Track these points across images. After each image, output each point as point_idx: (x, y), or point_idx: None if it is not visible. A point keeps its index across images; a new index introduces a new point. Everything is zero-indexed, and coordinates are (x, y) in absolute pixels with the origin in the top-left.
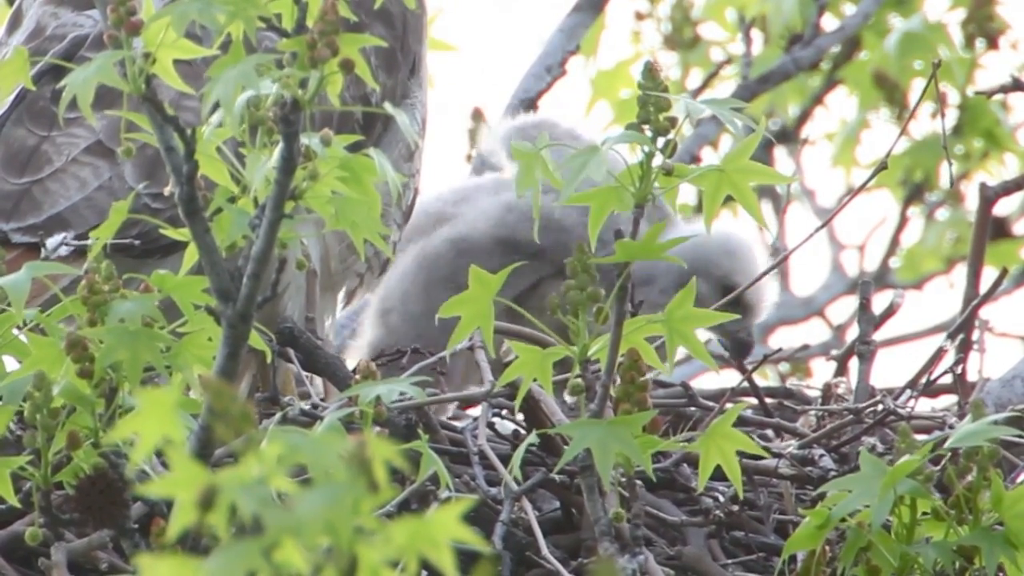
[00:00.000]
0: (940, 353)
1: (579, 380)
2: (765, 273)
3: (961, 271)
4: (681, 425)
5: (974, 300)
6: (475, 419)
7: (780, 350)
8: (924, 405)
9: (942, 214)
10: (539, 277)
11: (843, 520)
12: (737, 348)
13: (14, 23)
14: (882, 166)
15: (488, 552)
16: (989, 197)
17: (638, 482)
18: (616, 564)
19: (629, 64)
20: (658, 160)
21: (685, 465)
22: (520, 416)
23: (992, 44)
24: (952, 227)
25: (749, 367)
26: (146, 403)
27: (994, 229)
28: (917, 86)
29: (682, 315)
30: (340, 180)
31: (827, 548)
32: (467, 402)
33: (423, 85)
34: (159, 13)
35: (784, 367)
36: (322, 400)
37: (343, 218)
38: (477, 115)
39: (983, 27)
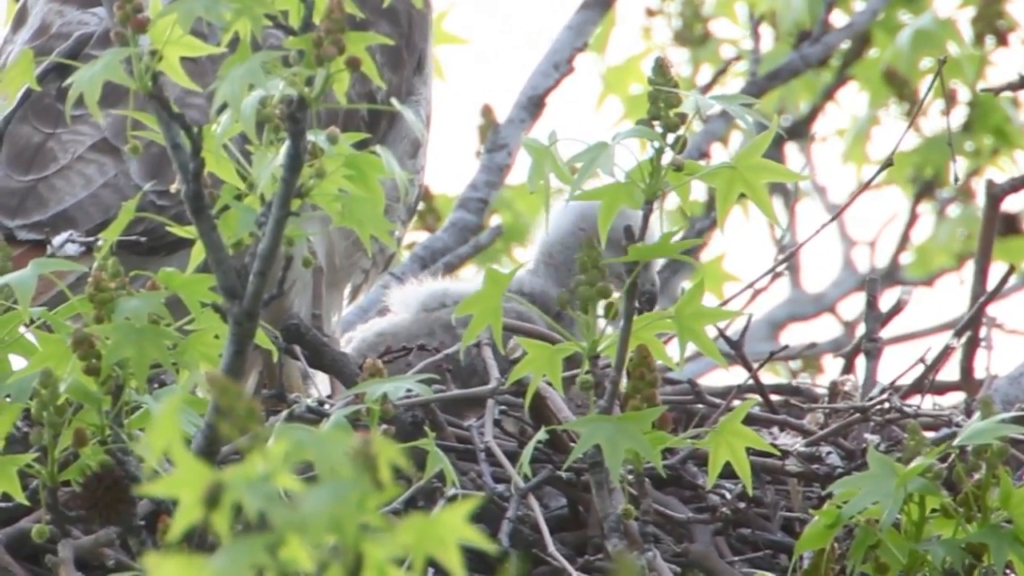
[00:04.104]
0: (947, 351)
1: (588, 376)
2: (774, 267)
3: (972, 268)
4: (688, 422)
5: (981, 297)
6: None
7: (787, 347)
8: (929, 402)
9: (953, 211)
10: None
11: (851, 517)
12: (648, 303)
13: (19, 20)
14: (888, 162)
15: (495, 550)
16: (996, 194)
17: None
18: (632, 558)
19: (640, 59)
20: (668, 156)
21: (691, 462)
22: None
23: (1002, 41)
24: (963, 224)
25: (755, 365)
26: (162, 408)
27: (1005, 226)
28: (927, 83)
29: (692, 312)
30: (346, 178)
31: (836, 545)
32: (474, 399)
33: (428, 82)
34: (165, 10)
35: (796, 364)
36: (329, 397)
37: (349, 215)
38: (487, 111)
39: (993, 24)
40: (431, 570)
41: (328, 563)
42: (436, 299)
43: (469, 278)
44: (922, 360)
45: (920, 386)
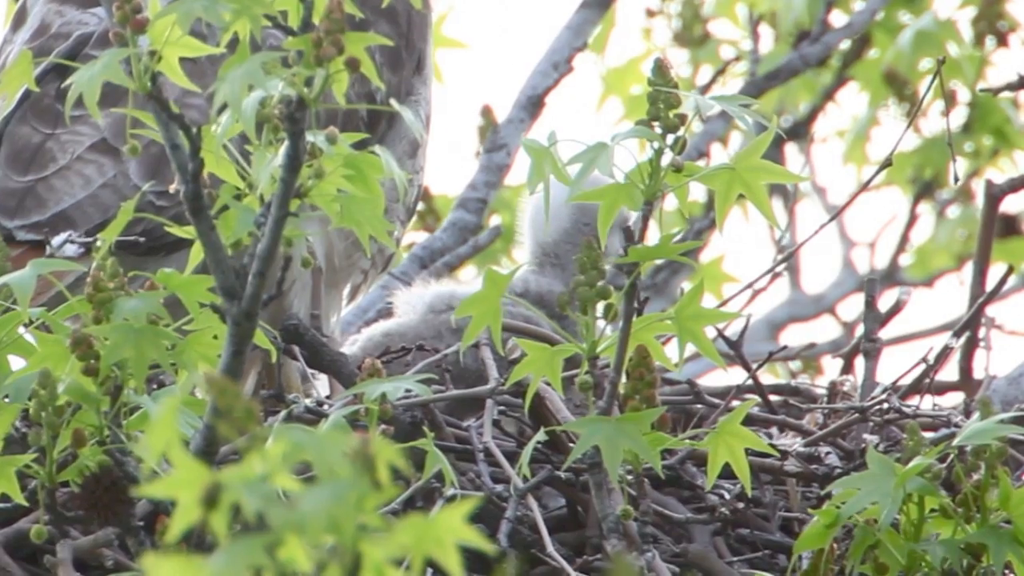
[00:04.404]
0: (946, 351)
1: (587, 377)
2: (773, 268)
3: (971, 269)
4: (687, 422)
5: (981, 298)
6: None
7: (786, 347)
8: (928, 402)
9: (952, 211)
10: None
11: (850, 518)
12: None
13: (19, 21)
14: (887, 162)
15: (494, 550)
16: (995, 194)
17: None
18: (631, 559)
19: (640, 60)
20: (668, 157)
21: (690, 463)
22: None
23: (1002, 42)
24: (963, 225)
25: (754, 365)
26: (160, 408)
27: (1005, 227)
28: (927, 83)
29: (691, 313)
30: (345, 178)
31: (834, 545)
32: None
33: (427, 82)
34: (164, 11)
35: (795, 364)
36: (327, 397)
37: (348, 216)
38: (486, 112)
39: (993, 25)
40: (430, 570)
41: (326, 563)
42: (443, 301)
43: (473, 281)
44: (924, 360)
45: (919, 386)
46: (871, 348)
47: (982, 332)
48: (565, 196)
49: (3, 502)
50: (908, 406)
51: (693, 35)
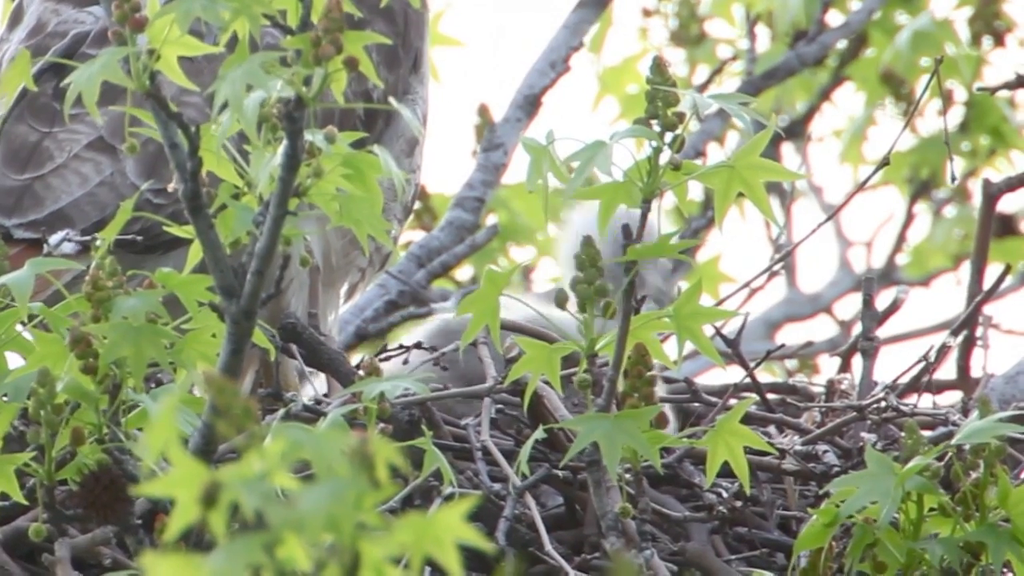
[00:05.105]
0: (944, 350)
1: (586, 375)
2: (770, 267)
3: (968, 268)
4: (684, 421)
5: (978, 296)
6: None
7: (783, 346)
8: (926, 401)
9: (949, 211)
10: None
11: (849, 516)
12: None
13: (15, 19)
14: (884, 162)
15: (492, 549)
16: (992, 193)
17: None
18: (630, 557)
19: (636, 60)
20: (666, 156)
21: (688, 461)
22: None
23: (999, 41)
24: (959, 224)
25: (752, 364)
26: (159, 407)
27: (1002, 226)
28: (924, 83)
29: (689, 311)
30: (344, 177)
31: (833, 544)
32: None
33: (424, 81)
34: (163, 10)
35: (792, 363)
36: (325, 396)
37: (347, 215)
38: (483, 111)
39: (990, 24)
40: (428, 569)
41: (325, 562)
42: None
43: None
44: (925, 358)
45: (917, 385)
46: (869, 347)
47: (980, 331)
48: (608, 228)
49: (2, 500)
50: (906, 404)
51: (689, 34)
